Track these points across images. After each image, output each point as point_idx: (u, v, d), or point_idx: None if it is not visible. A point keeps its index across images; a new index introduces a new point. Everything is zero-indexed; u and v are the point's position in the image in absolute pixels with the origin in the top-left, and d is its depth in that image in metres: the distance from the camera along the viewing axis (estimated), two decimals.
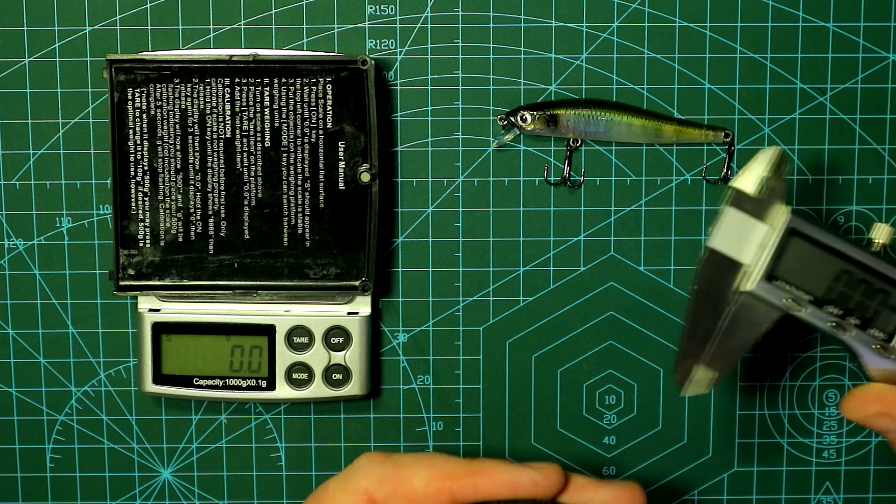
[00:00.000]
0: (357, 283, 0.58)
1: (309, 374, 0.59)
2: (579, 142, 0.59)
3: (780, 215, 0.48)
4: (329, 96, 0.57)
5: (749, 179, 0.48)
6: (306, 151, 0.57)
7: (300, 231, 0.58)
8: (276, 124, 0.57)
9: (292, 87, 0.57)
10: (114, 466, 0.62)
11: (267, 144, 0.57)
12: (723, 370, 0.49)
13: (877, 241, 0.49)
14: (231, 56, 0.56)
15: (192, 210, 0.58)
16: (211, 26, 0.59)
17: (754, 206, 0.48)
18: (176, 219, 0.58)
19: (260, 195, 0.58)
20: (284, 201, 0.58)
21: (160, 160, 0.57)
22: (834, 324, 0.49)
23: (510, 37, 0.59)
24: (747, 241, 0.48)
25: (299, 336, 0.59)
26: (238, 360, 0.59)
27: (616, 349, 0.61)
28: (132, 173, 0.58)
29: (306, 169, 0.58)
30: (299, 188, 0.58)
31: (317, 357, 0.59)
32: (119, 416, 0.62)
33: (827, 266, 0.48)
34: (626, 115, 0.59)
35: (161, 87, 0.57)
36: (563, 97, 0.59)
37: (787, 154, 0.50)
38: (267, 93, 0.57)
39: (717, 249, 0.48)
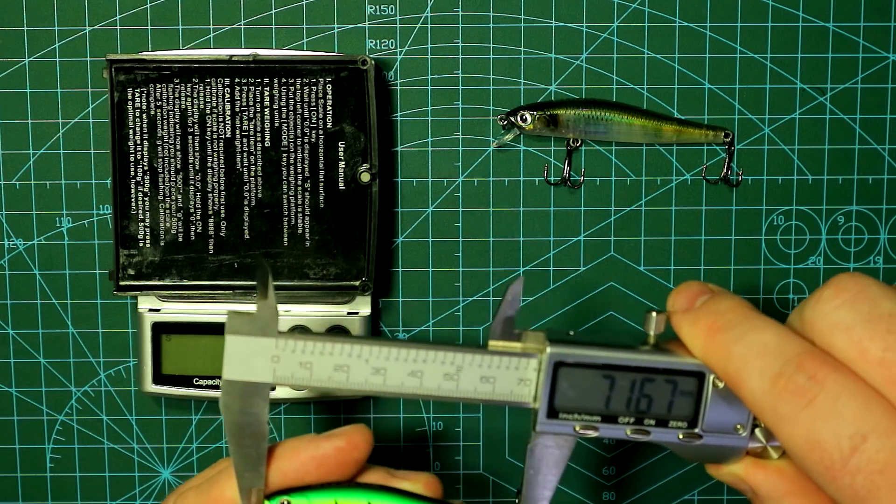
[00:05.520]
0: (357, 283, 0.58)
1: None
2: (579, 142, 0.59)
3: (539, 346, 0.45)
4: (329, 96, 0.57)
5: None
6: (306, 151, 0.57)
7: (300, 231, 0.58)
8: (276, 124, 0.57)
9: (292, 87, 0.57)
10: (114, 466, 0.62)
11: (267, 144, 0.57)
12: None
13: (651, 334, 0.46)
14: (231, 56, 0.56)
15: (192, 210, 0.58)
16: (211, 26, 0.59)
17: (251, 325, 0.44)
18: (176, 219, 0.58)
19: (260, 195, 0.58)
20: (284, 201, 0.58)
21: (160, 160, 0.57)
22: (632, 430, 0.46)
23: (510, 37, 0.59)
24: (256, 358, 0.45)
25: None
26: None
27: None
28: (132, 173, 0.58)
29: (306, 169, 0.58)
30: (299, 188, 0.58)
31: None
32: (119, 416, 0.62)
33: (604, 380, 0.45)
34: (626, 115, 0.59)
35: (161, 87, 0.57)
36: (563, 97, 0.59)
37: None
38: (267, 93, 0.57)
39: (234, 379, 0.45)
